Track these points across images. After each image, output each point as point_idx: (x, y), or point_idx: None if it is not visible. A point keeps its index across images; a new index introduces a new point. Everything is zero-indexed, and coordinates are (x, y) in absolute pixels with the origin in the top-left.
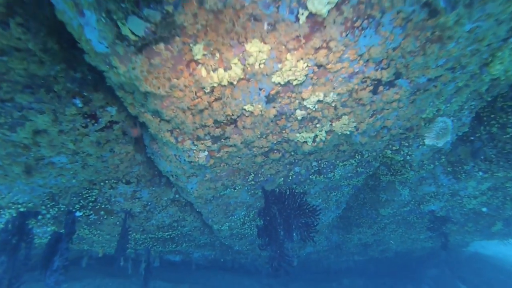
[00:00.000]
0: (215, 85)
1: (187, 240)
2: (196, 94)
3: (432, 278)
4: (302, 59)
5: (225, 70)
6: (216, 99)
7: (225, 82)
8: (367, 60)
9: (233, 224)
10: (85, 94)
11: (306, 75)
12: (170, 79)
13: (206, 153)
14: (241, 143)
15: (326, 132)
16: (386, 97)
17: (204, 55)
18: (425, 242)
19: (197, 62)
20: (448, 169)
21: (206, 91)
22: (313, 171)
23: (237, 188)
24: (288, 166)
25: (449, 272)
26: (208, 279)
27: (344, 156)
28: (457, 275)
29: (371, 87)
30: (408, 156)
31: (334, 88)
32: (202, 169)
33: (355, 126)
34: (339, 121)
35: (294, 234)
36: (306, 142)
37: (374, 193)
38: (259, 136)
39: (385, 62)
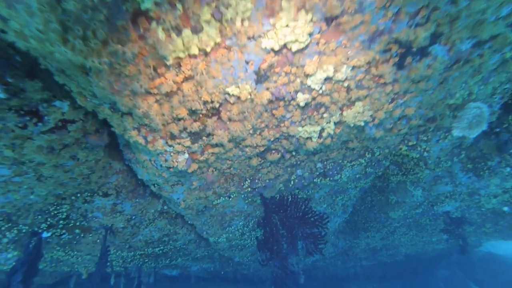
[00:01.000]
0: (181, 55)
1: (182, 254)
2: (155, 70)
3: (443, 280)
4: (304, 7)
5: (193, 31)
6: (186, 78)
7: (194, 50)
8: (399, 9)
9: (231, 235)
10: (9, 80)
11: (310, 35)
12: (108, 42)
13: (186, 155)
14: (229, 141)
15: (335, 124)
16: (415, 72)
17: (156, 4)
18: (437, 244)
19: (148, 17)
20: (468, 166)
21: (169, 63)
22: (317, 173)
23: (232, 196)
24: (289, 169)
25: (461, 274)
26: None
27: (353, 155)
28: (470, 277)
29: (396, 58)
30: (425, 153)
31: (348, 59)
32: (186, 176)
33: (370, 115)
34: (351, 109)
35: (299, 246)
36: (310, 138)
37: (383, 195)
38: (251, 132)
39: (423, 13)
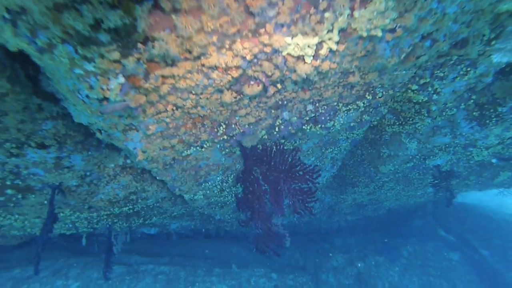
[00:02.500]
0: None
1: (156, 213)
2: None
3: (417, 229)
4: None
5: None
6: None
7: None
8: None
9: (208, 192)
10: None
11: None
12: None
13: (121, 79)
14: (182, 55)
15: (339, 32)
16: None
17: None
18: (419, 198)
19: None
20: (474, 113)
21: None
22: (307, 118)
23: (204, 146)
24: (273, 111)
25: (433, 223)
26: (191, 249)
27: (351, 97)
28: (441, 225)
29: None
30: (434, 95)
31: None
32: (135, 116)
33: (393, 19)
34: (367, 7)
35: (285, 205)
36: (303, 57)
37: (374, 148)
38: (215, 41)
39: None
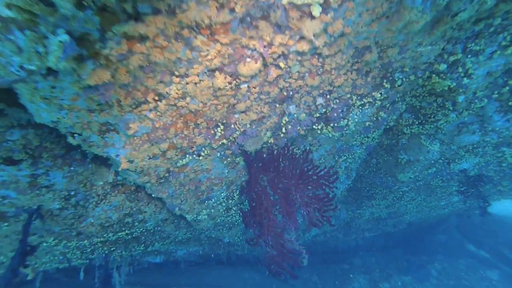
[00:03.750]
0: None
1: (158, 238)
2: None
3: (441, 244)
4: None
5: None
6: None
7: None
8: None
9: (213, 211)
10: None
11: None
12: None
13: (65, 36)
14: (149, 2)
15: None
16: None
17: None
18: (443, 209)
19: None
20: (511, 103)
21: None
22: (318, 115)
23: (202, 154)
24: (277, 105)
25: (459, 237)
26: (201, 277)
27: (366, 85)
28: (470, 239)
29: None
30: (465, 79)
31: None
32: (108, 106)
33: None
34: None
35: (299, 216)
36: (309, 9)
37: (391, 154)
38: None
39: None
